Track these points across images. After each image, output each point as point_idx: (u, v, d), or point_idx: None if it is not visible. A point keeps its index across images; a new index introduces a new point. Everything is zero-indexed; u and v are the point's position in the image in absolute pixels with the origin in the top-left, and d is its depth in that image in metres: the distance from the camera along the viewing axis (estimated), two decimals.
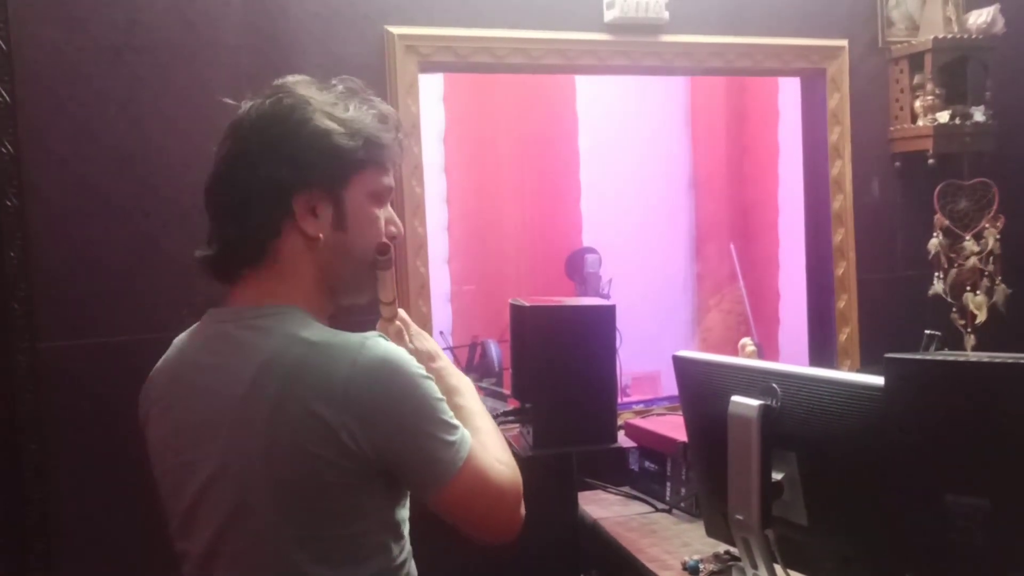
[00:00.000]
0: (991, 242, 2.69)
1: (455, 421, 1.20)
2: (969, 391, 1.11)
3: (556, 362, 1.93)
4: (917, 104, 2.68)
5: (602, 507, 2.26)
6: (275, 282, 1.24)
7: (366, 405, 1.14)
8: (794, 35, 2.66)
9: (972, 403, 1.10)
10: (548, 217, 3.84)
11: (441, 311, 3.41)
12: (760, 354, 2.61)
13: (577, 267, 3.56)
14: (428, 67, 2.37)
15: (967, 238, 2.72)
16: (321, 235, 1.23)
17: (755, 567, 1.42)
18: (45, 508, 2.04)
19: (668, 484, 2.22)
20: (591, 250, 3.63)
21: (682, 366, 1.61)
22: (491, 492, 1.21)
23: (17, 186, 2.00)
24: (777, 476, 1.38)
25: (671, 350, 1.66)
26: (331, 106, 1.24)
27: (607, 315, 1.97)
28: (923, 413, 1.14)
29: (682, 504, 2.17)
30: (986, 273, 2.70)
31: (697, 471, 1.68)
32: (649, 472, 2.29)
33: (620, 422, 2.16)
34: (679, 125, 4.14)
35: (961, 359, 1.17)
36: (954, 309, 2.72)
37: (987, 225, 2.71)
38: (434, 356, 1.42)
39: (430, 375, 1.21)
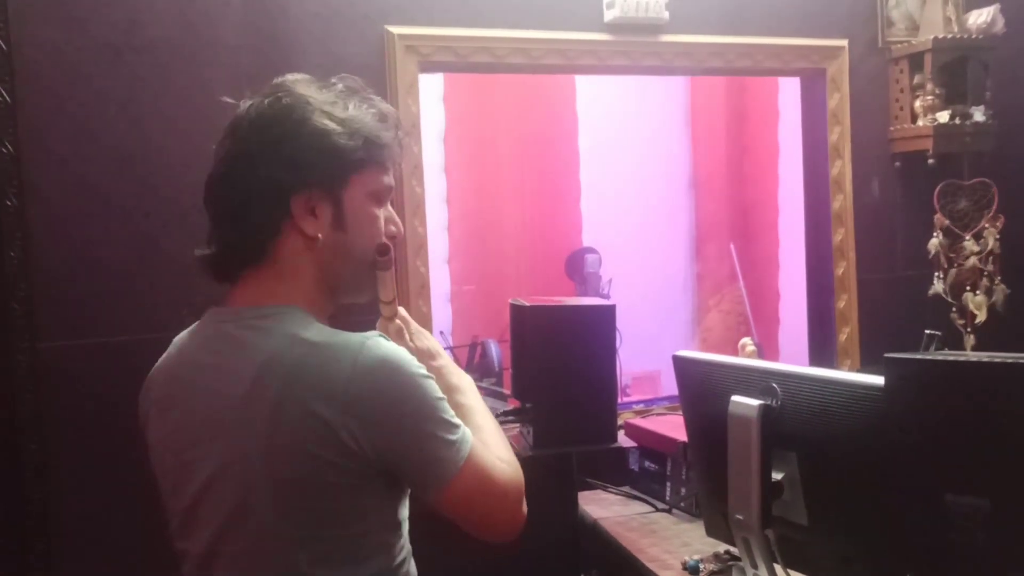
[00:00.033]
0: (991, 242, 2.69)
1: (456, 420, 1.20)
2: (969, 391, 1.11)
3: (556, 362, 1.93)
4: (917, 104, 2.68)
5: (602, 507, 2.26)
6: (275, 282, 1.24)
7: (367, 405, 1.14)
8: (794, 35, 2.66)
9: (972, 403, 1.10)
10: (548, 217, 3.84)
11: (441, 311, 3.41)
12: (760, 354, 2.61)
13: (577, 267, 3.56)
14: (428, 67, 2.37)
15: (967, 238, 2.72)
16: (320, 235, 1.23)
17: (755, 567, 1.42)
18: (45, 508, 2.04)
19: (668, 484, 2.22)
20: (591, 250, 3.63)
21: (682, 366, 1.61)
22: (493, 490, 1.21)
23: (17, 186, 2.00)
24: (777, 476, 1.38)
25: (671, 350, 1.65)
26: (330, 105, 1.24)
27: (607, 315, 1.97)
28: (923, 413, 1.14)
29: (682, 504, 2.17)
30: (985, 273, 2.70)
31: (697, 471, 1.68)
32: (649, 472, 2.29)
33: (620, 422, 2.16)
34: (679, 125, 4.14)
35: (961, 359, 1.17)
36: (954, 309, 2.72)
37: (987, 225, 2.71)
38: (434, 354, 1.41)
39: (430, 374, 1.21)
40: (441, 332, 3.31)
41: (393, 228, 1.32)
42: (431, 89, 3.43)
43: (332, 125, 1.22)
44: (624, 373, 2.83)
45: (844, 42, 2.71)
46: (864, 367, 2.71)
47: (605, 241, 3.75)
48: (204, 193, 1.26)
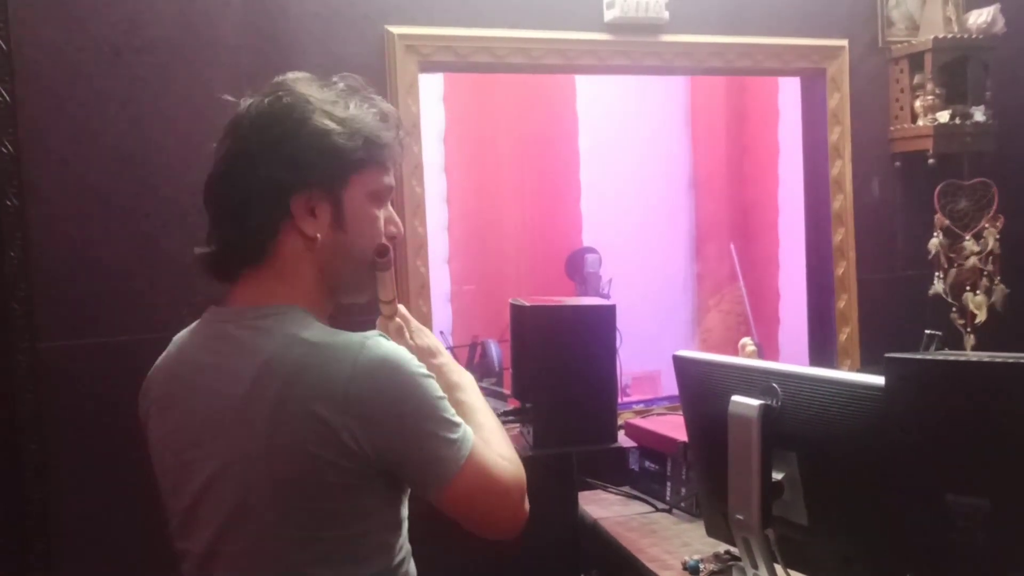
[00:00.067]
0: (991, 242, 2.69)
1: (457, 419, 1.20)
2: (970, 391, 1.11)
3: (556, 362, 1.93)
4: (917, 104, 2.68)
5: (602, 507, 2.26)
6: (275, 282, 1.24)
7: (367, 406, 1.13)
8: (794, 35, 2.66)
9: (973, 403, 1.10)
10: (548, 217, 3.85)
11: (441, 311, 3.41)
12: (760, 354, 2.61)
13: (577, 267, 3.56)
14: (428, 67, 2.37)
15: (967, 238, 2.72)
16: (319, 235, 1.23)
17: (755, 567, 1.42)
18: (45, 508, 2.03)
19: (668, 484, 2.22)
20: (591, 250, 3.63)
21: (682, 366, 1.61)
22: (495, 488, 1.21)
23: (17, 186, 2.00)
24: (777, 476, 1.38)
25: (671, 350, 1.65)
26: (331, 104, 1.23)
27: (607, 315, 1.97)
28: (923, 413, 1.14)
29: (682, 504, 2.17)
30: (985, 273, 2.70)
31: (697, 471, 1.68)
32: (649, 472, 2.29)
33: (620, 422, 2.16)
34: (679, 125, 4.14)
35: (962, 359, 1.16)
36: (954, 309, 2.72)
37: (987, 225, 2.71)
38: (435, 352, 1.41)
39: (431, 373, 1.21)
40: (441, 332, 3.31)
41: (393, 229, 1.32)
42: (431, 89, 3.43)
43: (332, 125, 1.21)
44: (624, 373, 2.82)
45: (844, 42, 2.71)
46: (864, 367, 2.71)
47: (605, 241, 3.75)
48: (204, 192, 1.26)
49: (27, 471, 2.02)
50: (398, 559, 1.24)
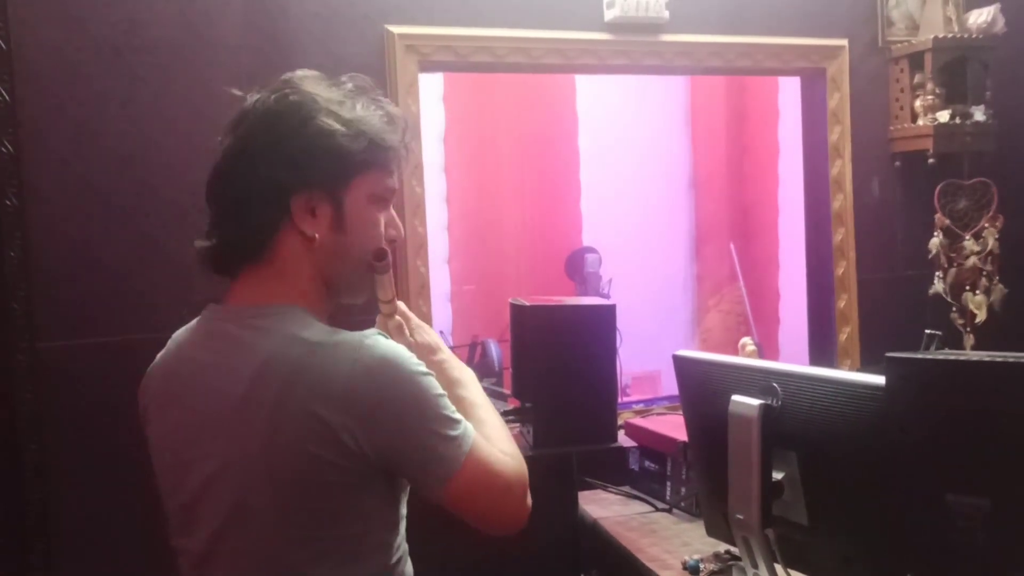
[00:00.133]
0: (990, 242, 2.69)
1: (457, 415, 1.20)
2: (970, 390, 1.11)
3: (556, 362, 1.94)
4: (917, 104, 2.68)
5: (602, 507, 2.26)
6: (275, 281, 1.23)
7: (366, 405, 1.13)
8: (794, 35, 2.66)
9: (973, 402, 1.10)
10: (548, 217, 3.85)
11: (441, 311, 3.42)
12: (760, 354, 2.61)
13: (577, 267, 3.56)
14: (428, 67, 2.37)
15: (967, 238, 2.72)
16: (318, 235, 1.22)
17: (755, 567, 1.42)
18: (45, 508, 2.04)
19: (668, 484, 2.22)
20: (591, 250, 3.63)
21: (682, 365, 1.61)
22: (497, 484, 1.21)
23: (17, 186, 2.00)
24: (777, 476, 1.37)
25: (671, 350, 1.65)
26: (337, 105, 1.22)
27: (607, 315, 1.97)
28: (924, 412, 1.14)
29: (682, 504, 2.17)
30: (984, 273, 2.70)
31: (697, 471, 1.68)
32: (649, 472, 2.29)
33: (620, 422, 2.16)
34: (679, 125, 4.15)
35: (962, 358, 1.16)
36: (954, 309, 2.73)
37: (986, 225, 2.71)
38: (435, 349, 1.41)
39: (430, 371, 1.21)
40: (441, 332, 3.30)
41: (393, 232, 1.31)
42: (431, 89, 3.43)
43: (336, 126, 1.21)
44: (624, 373, 2.83)
45: (844, 42, 2.71)
46: (864, 367, 2.71)
47: (605, 241, 3.75)
48: (206, 188, 1.25)
49: (27, 471, 2.02)
50: (396, 558, 1.24)
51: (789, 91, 3.13)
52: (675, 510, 2.18)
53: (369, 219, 1.26)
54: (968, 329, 2.72)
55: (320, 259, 1.24)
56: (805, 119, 2.85)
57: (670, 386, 2.58)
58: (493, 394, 2.44)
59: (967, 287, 2.72)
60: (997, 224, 2.71)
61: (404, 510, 1.28)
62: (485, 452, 1.20)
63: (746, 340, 2.54)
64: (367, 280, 1.31)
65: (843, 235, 2.75)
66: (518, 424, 2.08)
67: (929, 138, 2.63)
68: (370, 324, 1.32)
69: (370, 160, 1.24)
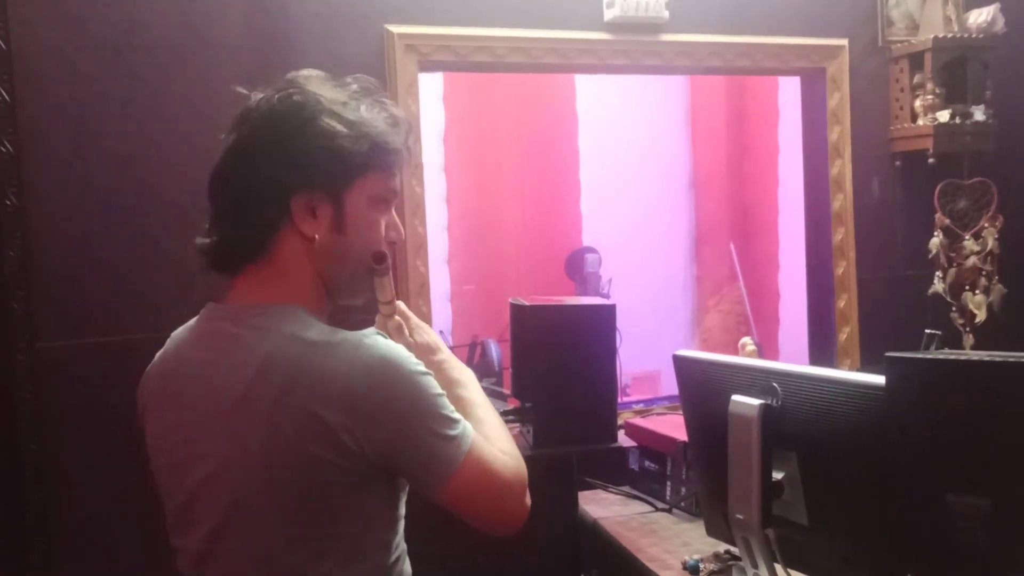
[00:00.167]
0: (990, 242, 2.69)
1: (456, 415, 1.20)
2: (971, 390, 1.11)
3: (556, 362, 1.94)
4: (917, 103, 2.68)
5: (602, 507, 2.26)
6: (274, 280, 1.23)
7: (366, 405, 1.13)
8: (794, 34, 2.66)
9: (974, 402, 1.10)
10: (548, 217, 3.85)
11: (441, 311, 3.42)
12: (760, 354, 2.61)
13: (577, 267, 3.57)
14: (428, 66, 2.37)
15: (967, 237, 2.72)
16: (317, 236, 1.22)
17: (755, 567, 1.42)
18: (45, 508, 2.04)
19: (668, 484, 2.22)
20: (591, 250, 3.64)
21: (682, 365, 1.61)
22: (496, 483, 1.21)
23: (17, 186, 2.00)
24: (777, 476, 1.37)
25: (671, 350, 1.65)
26: (341, 106, 1.22)
27: (607, 315, 1.97)
28: (924, 412, 1.14)
29: (682, 504, 2.16)
30: (984, 272, 2.70)
31: (697, 470, 1.68)
32: (649, 472, 2.29)
33: (620, 422, 2.16)
34: (679, 125, 4.15)
35: (962, 358, 1.16)
36: (953, 308, 2.73)
37: (986, 224, 2.71)
38: (434, 349, 1.41)
39: (428, 371, 1.21)
40: (441, 331, 3.31)
41: (394, 234, 1.30)
42: (431, 89, 3.43)
43: (339, 127, 1.20)
44: (624, 373, 2.83)
45: (844, 41, 2.71)
46: (864, 367, 2.71)
47: (605, 241, 3.76)
48: (208, 185, 1.25)
49: (27, 471, 2.02)
50: (394, 557, 1.24)
51: (789, 91, 3.13)
52: (675, 510, 2.18)
53: (370, 221, 1.26)
54: (968, 329, 2.72)
55: (319, 260, 1.24)
56: (805, 119, 2.85)
57: (670, 386, 2.58)
58: (493, 394, 2.45)
59: (967, 287, 2.72)
60: (997, 224, 2.71)
61: (403, 509, 1.28)
62: (484, 452, 1.20)
63: (746, 340, 2.54)
64: (366, 281, 1.30)
65: (843, 235, 2.75)
66: (518, 424, 2.08)
67: (929, 138, 2.63)
68: (370, 324, 1.32)
69: (372, 162, 1.24)
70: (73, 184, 2.05)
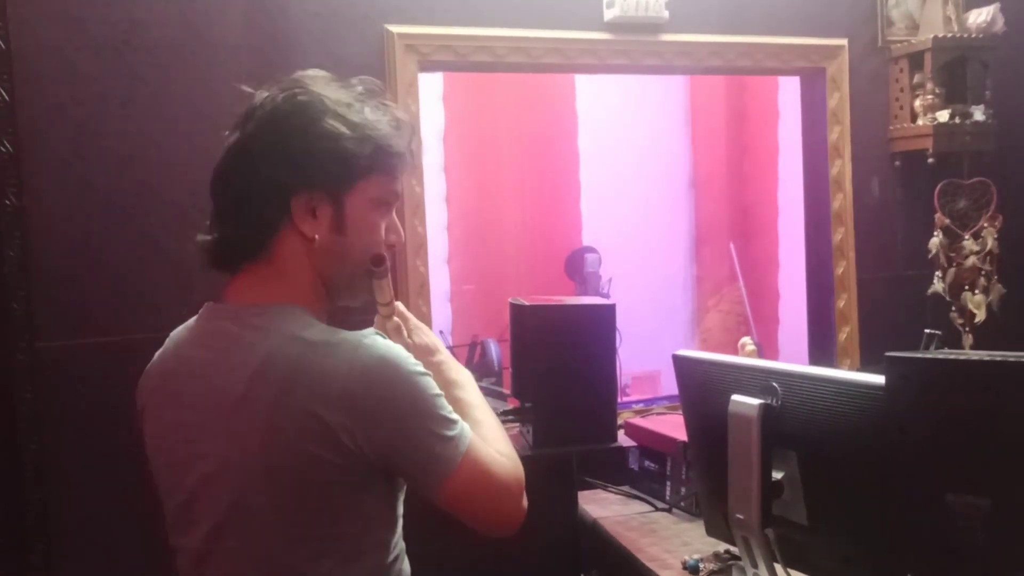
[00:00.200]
0: (989, 241, 2.69)
1: (454, 416, 1.20)
2: (971, 390, 1.11)
3: (556, 362, 1.94)
4: (917, 103, 2.68)
5: (602, 506, 2.26)
6: (274, 280, 1.23)
7: (364, 405, 1.13)
8: (794, 34, 2.66)
9: (974, 402, 1.10)
10: (548, 217, 3.85)
11: (441, 311, 3.42)
12: (760, 353, 2.61)
13: (577, 267, 3.57)
14: (428, 66, 2.37)
15: (966, 237, 2.72)
16: (317, 236, 1.22)
17: (755, 566, 1.42)
18: (45, 508, 2.04)
19: (668, 483, 2.22)
20: (591, 250, 3.64)
21: (682, 365, 1.61)
22: (492, 484, 1.21)
23: (17, 186, 2.00)
24: (777, 475, 1.37)
25: (671, 350, 1.65)
26: (345, 107, 1.22)
27: (607, 315, 1.97)
28: (924, 412, 1.14)
29: (682, 503, 2.17)
30: (984, 272, 2.70)
31: (697, 470, 1.68)
32: (649, 471, 2.29)
33: (620, 421, 2.16)
34: (679, 125, 4.15)
35: (962, 358, 1.16)
36: (953, 308, 2.73)
37: (986, 224, 2.71)
38: (433, 350, 1.41)
39: (427, 371, 1.21)
40: (441, 331, 3.31)
41: (394, 237, 1.30)
42: (431, 89, 3.43)
43: (343, 129, 1.20)
44: (624, 373, 2.83)
45: (844, 41, 2.71)
46: (864, 366, 2.71)
47: (605, 241, 3.76)
48: (210, 183, 1.25)
49: (27, 471, 2.02)
50: (392, 556, 1.25)
51: (789, 91, 3.13)
52: (675, 510, 2.18)
53: (370, 223, 1.26)
54: (967, 329, 2.72)
55: (319, 260, 1.24)
56: (805, 119, 2.85)
57: (670, 386, 2.58)
58: (493, 394, 2.45)
59: (966, 287, 2.72)
60: (996, 224, 2.71)
61: (402, 509, 1.28)
62: (482, 453, 1.20)
63: (746, 340, 2.54)
64: (365, 283, 1.30)
65: (843, 235, 2.75)
66: (518, 424, 2.08)
67: (929, 138, 2.63)
68: (369, 325, 1.32)
69: (375, 165, 1.23)
70: (73, 184, 2.05)
